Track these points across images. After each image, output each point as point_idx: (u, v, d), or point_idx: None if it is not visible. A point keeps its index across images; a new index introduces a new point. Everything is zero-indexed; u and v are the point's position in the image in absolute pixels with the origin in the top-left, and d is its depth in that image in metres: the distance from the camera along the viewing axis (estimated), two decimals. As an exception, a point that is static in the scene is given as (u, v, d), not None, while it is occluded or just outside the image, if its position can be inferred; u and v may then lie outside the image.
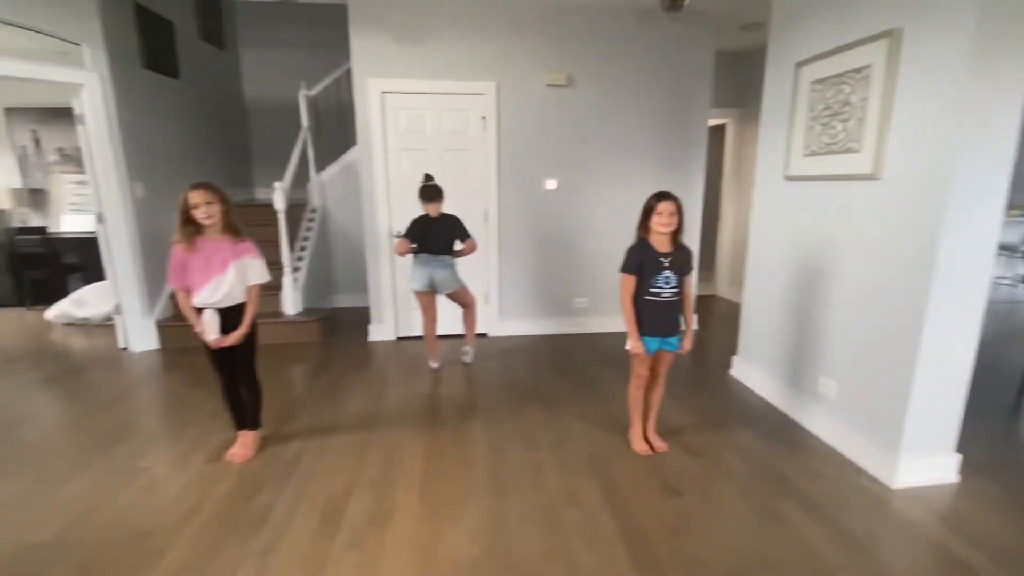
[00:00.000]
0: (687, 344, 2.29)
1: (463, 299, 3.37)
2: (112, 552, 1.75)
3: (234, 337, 2.17)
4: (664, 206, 2.13)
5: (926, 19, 1.94)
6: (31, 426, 2.67)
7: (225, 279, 2.13)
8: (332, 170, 4.89)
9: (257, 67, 5.74)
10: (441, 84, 3.75)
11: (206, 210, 2.04)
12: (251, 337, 2.26)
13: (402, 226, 3.34)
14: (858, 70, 2.26)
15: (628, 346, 2.26)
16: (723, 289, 5.60)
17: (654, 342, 2.25)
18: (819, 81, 2.51)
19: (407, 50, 3.68)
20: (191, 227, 2.07)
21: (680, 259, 2.20)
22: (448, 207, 3.26)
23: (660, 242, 2.18)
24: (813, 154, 2.57)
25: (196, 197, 2.04)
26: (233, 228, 2.14)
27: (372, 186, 3.86)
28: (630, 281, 2.22)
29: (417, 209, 3.24)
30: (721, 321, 4.62)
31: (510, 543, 1.79)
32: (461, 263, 3.35)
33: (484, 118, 3.85)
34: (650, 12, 3.76)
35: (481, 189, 3.97)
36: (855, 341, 2.33)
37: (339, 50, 4.78)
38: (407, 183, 3.82)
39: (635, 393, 2.38)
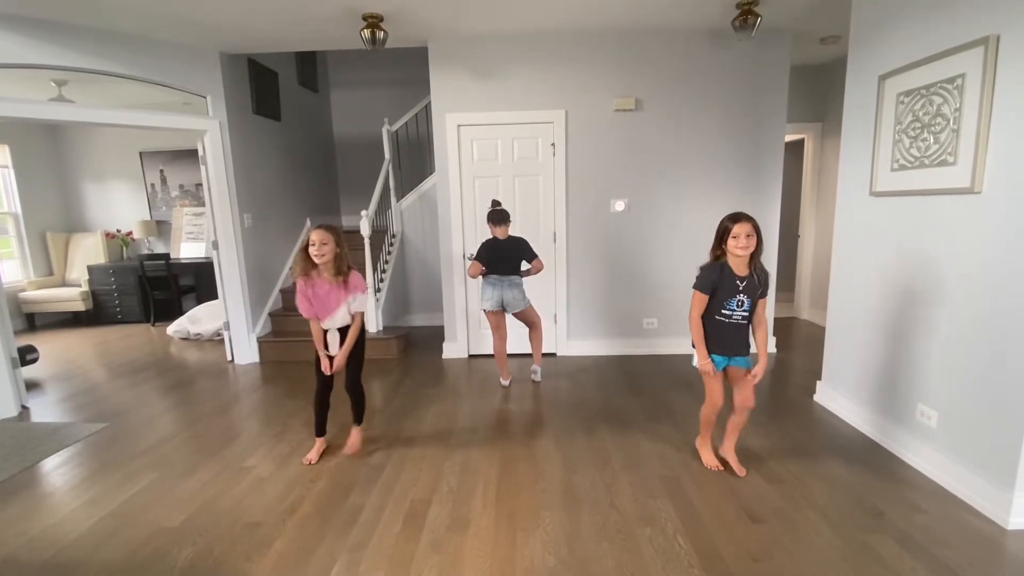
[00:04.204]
0: (759, 370, 2.19)
1: (530, 318, 3.48)
2: (229, 539, 1.98)
3: (341, 355, 2.47)
4: (740, 228, 2.06)
5: (1023, 24, 1.84)
6: (157, 428, 3.06)
7: (338, 315, 2.43)
8: (411, 198, 5.24)
9: (344, 106, 6.32)
10: (512, 115, 3.95)
11: (319, 249, 2.30)
12: (360, 352, 2.54)
13: (475, 249, 3.51)
14: (950, 80, 2.16)
15: (695, 363, 2.25)
16: (805, 311, 5.30)
17: (722, 360, 2.23)
18: (906, 93, 2.41)
19: (481, 84, 3.93)
20: (308, 262, 2.34)
21: (756, 283, 2.14)
22: (518, 230, 3.41)
23: (737, 264, 2.13)
24: (902, 168, 2.45)
25: (315, 236, 2.31)
26: (343, 269, 2.38)
27: (448, 212, 4.10)
28: (702, 300, 2.20)
29: (488, 233, 3.42)
30: (803, 345, 4.39)
31: (585, 557, 1.83)
32: (528, 283, 3.46)
33: (553, 145, 3.99)
34: (721, 32, 3.77)
35: (550, 212, 4.10)
36: (959, 368, 2.16)
37: (417, 86, 5.19)
38: (480, 209, 4.03)
39: (706, 411, 2.36)
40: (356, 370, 2.58)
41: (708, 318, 2.21)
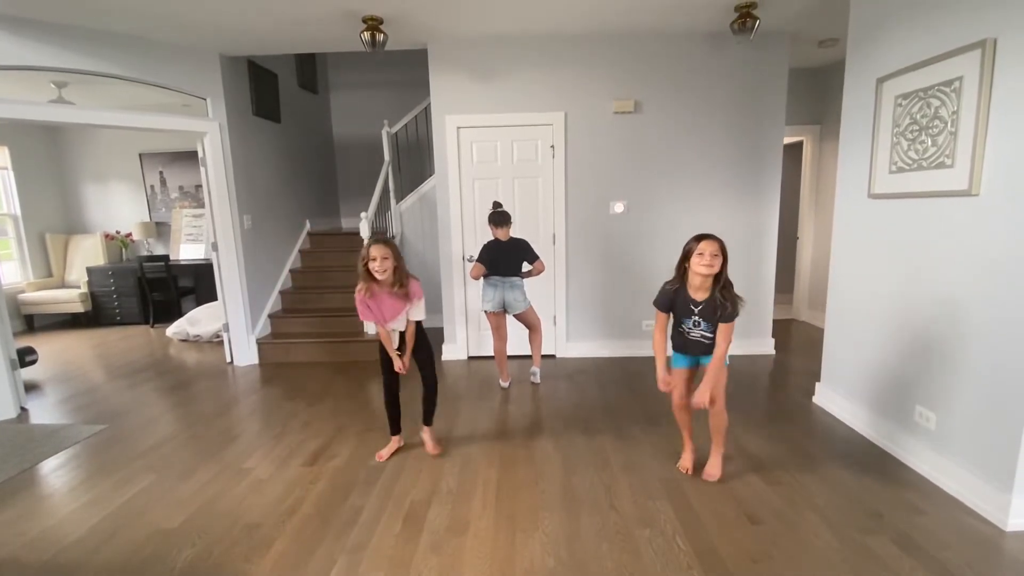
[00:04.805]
0: (699, 396, 2.10)
1: (530, 320, 3.48)
2: (228, 540, 1.97)
3: (404, 357, 2.55)
4: (706, 245, 2.02)
5: (1022, 27, 1.85)
6: (156, 429, 3.06)
7: (399, 320, 2.51)
8: (410, 200, 5.24)
9: (344, 108, 6.33)
10: (511, 117, 3.96)
11: (380, 264, 2.33)
12: (427, 349, 2.60)
13: (474, 251, 3.52)
14: (948, 83, 2.17)
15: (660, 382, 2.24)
16: (804, 313, 5.31)
17: (681, 359, 2.25)
18: (904, 95, 2.42)
19: (481, 86, 3.94)
20: (369, 276, 2.36)
21: (715, 307, 2.07)
22: (517, 232, 3.42)
23: (697, 286, 2.07)
24: (900, 170, 2.46)
25: (375, 251, 2.33)
26: (402, 280, 2.40)
27: (447, 214, 4.11)
28: (662, 317, 2.21)
29: (488, 235, 3.42)
30: (802, 346, 4.39)
31: (585, 559, 1.83)
32: (527, 284, 3.47)
33: (553, 147, 4.00)
34: (720, 35, 3.78)
35: (549, 214, 4.10)
36: (957, 370, 2.17)
37: (416, 88, 5.20)
38: (479, 211, 4.04)
39: (675, 412, 2.36)
40: (429, 366, 2.63)
41: (674, 327, 2.23)
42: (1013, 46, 1.89)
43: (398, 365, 2.52)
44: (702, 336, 2.15)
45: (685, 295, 2.11)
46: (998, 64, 1.95)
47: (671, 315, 2.21)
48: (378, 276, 2.34)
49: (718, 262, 2.02)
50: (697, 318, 2.11)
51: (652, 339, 2.26)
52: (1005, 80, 1.93)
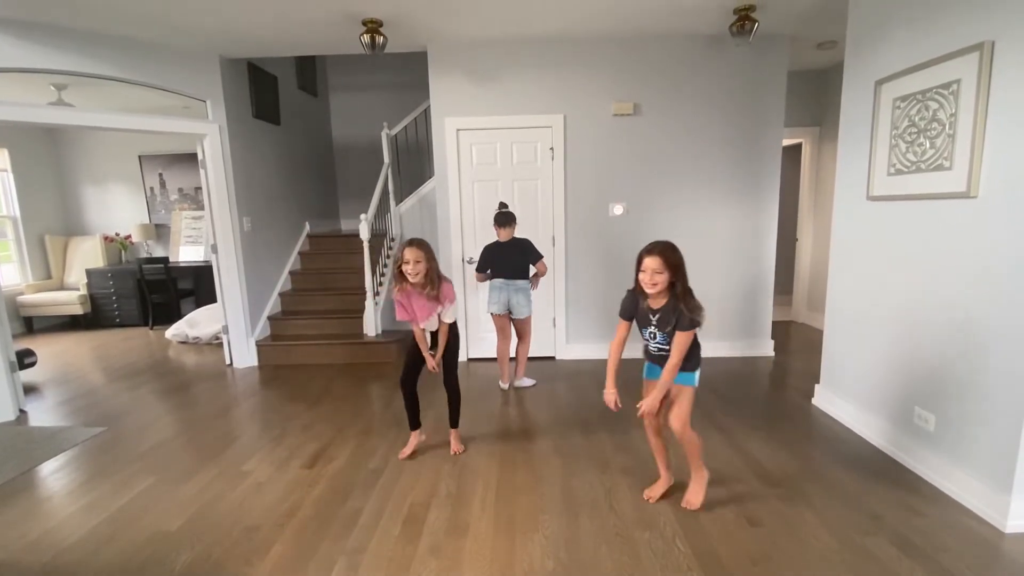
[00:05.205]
0: (646, 403, 1.99)
1: (523, 328, 3.50)
2: (228, 543, 1.97)
3: (436, 357, 2.58)
4: (648, 262, 1.88)
5: (1019, 30, 1.86)
6: (155, 432, 3.05)
7: (432, 320, 2.54)
8: (410, 201, 5.24)
9: (344, 110, 6.34)
10: (511, 119, 3.97)
11: (413, 268, 2.33)
12: (452, 353, 2.61)
13: (475, 253, 3.52)
14: (946, 85, 2.17)
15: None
16: (803, 315, 5.31)
17: (655, 370, 2.10)
18: (902, 98, 2.43)
19: (480, 89, 3.95)
20: (402, 277, 2.38)
21: (669, 317, 1.93)
22: (518, 234, 3.42)
23: (654, 294, 1.94)
24: (898, 172, 2.47)
25: (408, 254, 2.34)
26: (434, 282, 2.40)
27: (447, 216, 4.11)
28: (623, 327, 2.08)
29: (487, 237, 3.42)
30: (802, 348, 4.39)
31: (584, 561, 1.83)
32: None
33: (552, 149, 4.01)
34: (719, 37, 3.79)
35: (549, 216, 4.10)
36: (956, 371, 2.17)
37: (416, 90, 5.20)
38: (479, 212, 4.04)
39: (648, 435, 2.21)
40: (450, 370, 2.65)
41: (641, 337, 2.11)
42: (1011, 49, 1.90)
43: (431, 364, 2.56)
44: (658, 348, 2.02)
45: (643, 302, 2.00)
46: (996, 67, 1.96)
47: (633, 323, 2.08)
48: (410, 279, 2.35)
49: (661, 279, 1.88)
50: (654, 328, 1.99)
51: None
52: (1003, 82, 1.93)
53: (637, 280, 1.96)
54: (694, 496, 2.13)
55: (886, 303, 2.58)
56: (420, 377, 2.62)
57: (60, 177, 6.24)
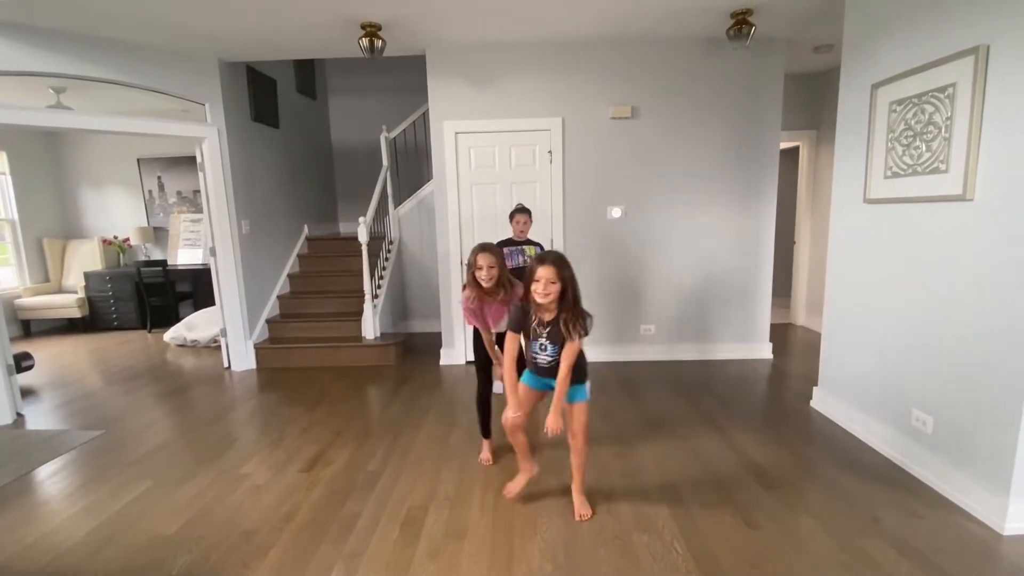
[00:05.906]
0: (549, 421, 1.95)
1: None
2: (226, 547, 1.97)
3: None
4: (543, 271, 1.85)
5: (1014, 34, 1.87)
6: (152, 435, 3.04)
7: (500, 325, 2.48)
8: (408, 204, 5.25)
9: (343, 113, 6.35)
10: (509, 122, 3.98)
11: (487, 273, 2.30)
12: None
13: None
14: (941, 89, 2.19)
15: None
16: (801, 317, 5.32)
17: (532, 378, 2.11)
18: (898, 102, 2.44)
19: (479, 92, 3.96)
20: (477, 285, 2.33)
21: (560, 327, 1.91)
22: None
23: (543, 307, 1.91)
24: (895, 175, 2.48)
25: (482, 260, 2.30)
26: (505, 286, 2.37)
27: (445, 219, 4.12)
28: (514, 339, 2.05)
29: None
30: (800, 351, 4.40)
31: (583, 564, 1.82)
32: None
33: (550, 152, 4.02)
34: (717, 41, 3.81)
35: (547, 219, 4.11)
36: (954, 373, 2.18)
37: (415, 93, 5.22)
38: (478, 215, 4.05)
39: (509, 434, 2.18)
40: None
41: (526, 352, 2.10)
42: (1006, 52, 1.91)
43: (498, 361, 2.52)
44: (548, 361, 2.00)
45: (532, 315, 1.95)
46: (991, 70, 1.97)
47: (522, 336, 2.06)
48: (484, 284, 2.31)
49: (555, 288, 1.86)
50: (544, 341, 1.96)
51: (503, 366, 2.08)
52: (998, 86, 1.95)
53: (528, 292, 1.93)
54: (584, 508, 2.12)
55: (884, 305, 2.59)
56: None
57: (58, 180, 6.24)
